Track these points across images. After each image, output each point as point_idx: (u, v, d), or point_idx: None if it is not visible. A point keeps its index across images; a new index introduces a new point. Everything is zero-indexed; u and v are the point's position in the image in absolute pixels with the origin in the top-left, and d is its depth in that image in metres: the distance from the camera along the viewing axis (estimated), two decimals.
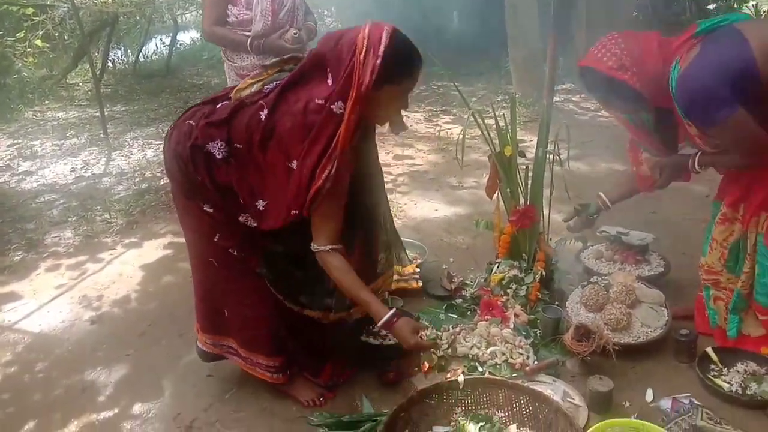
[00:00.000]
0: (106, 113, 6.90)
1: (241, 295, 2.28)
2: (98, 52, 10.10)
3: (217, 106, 2.16)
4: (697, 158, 2.33)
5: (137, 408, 2.49)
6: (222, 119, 2.07)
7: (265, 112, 2.02)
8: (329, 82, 1.98)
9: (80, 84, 9.77)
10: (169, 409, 2.47)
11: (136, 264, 3.77)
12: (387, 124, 2.17)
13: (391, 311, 2.11)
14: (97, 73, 8.06)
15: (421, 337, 2.18)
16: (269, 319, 2.31)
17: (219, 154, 2.06)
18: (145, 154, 6.05)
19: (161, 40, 12.58)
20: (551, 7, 2.68)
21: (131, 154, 6.10)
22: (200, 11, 8.85)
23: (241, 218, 2.14)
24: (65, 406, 2.54)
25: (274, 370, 2.34)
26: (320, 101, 1.96)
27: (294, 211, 2.02)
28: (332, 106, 1.93)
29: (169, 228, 4.24)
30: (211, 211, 2.14)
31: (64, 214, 4.60)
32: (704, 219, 3.64)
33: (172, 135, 2.18)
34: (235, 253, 2.19)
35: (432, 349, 2.29)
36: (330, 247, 2.06)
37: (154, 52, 12.41)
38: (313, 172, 1.95)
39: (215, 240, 2.17)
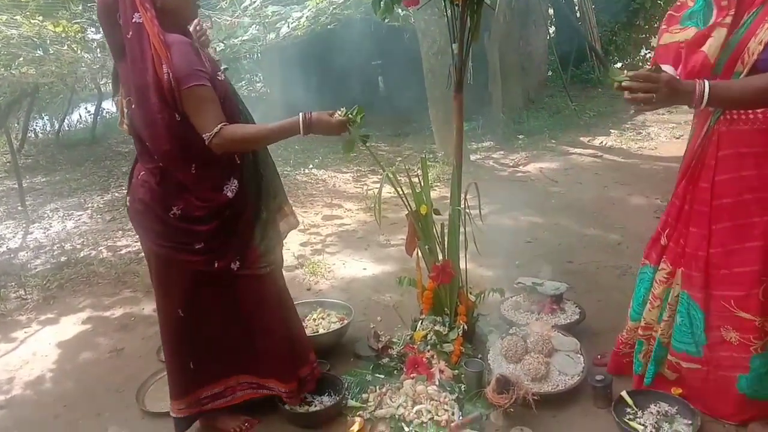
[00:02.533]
0: (24, 185, 6.68)
1: (203, 331, 2.40)
2: (18, 123, 9.82)
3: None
4: (707, 89, 1.93)
5: None
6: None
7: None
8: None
9: None
10: None
11: (52, 341, 3.60)
12: None
13: (300, 115, 2.16)
14: (17, 144, 7.84)
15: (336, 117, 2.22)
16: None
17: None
18: (65, 225, 5.86)
19: (86, 108, 12.37)
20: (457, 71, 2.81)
21: (50, 226, 5.89)
22: None
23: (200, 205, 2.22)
24: None
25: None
26: (133, 21, 2.07)
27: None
28: (134, 20, 2.07)
29: (87, 302, 4.09)
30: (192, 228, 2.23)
31: None
32: (616, 265, 3.89)
33: (133, 191, 2.29)
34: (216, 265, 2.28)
35: (349, 126, 2.25)
36: (220, 125, 2.10)
37: (78, 120, 12.18)
38: (157, 77, 2.04)
39: (215, 267, 2.27)
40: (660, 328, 2.44)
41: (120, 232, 5.50)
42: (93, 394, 3.00)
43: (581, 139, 7.90)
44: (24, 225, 5.95)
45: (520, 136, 8.08)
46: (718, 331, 2.29)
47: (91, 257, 4.92)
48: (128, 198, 2.33)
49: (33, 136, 10.80)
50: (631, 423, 2.41)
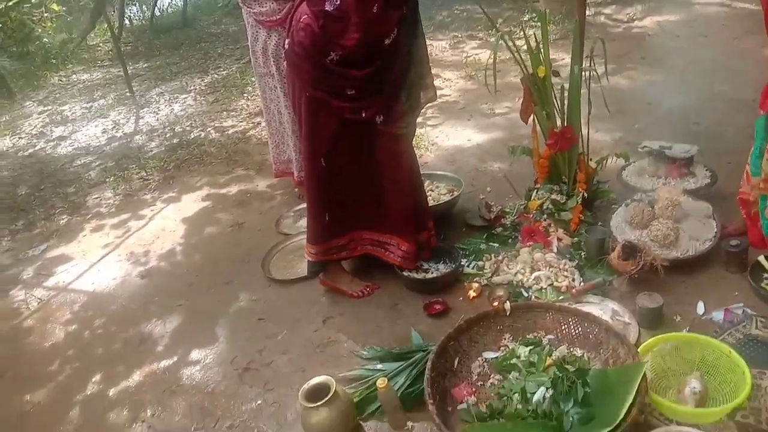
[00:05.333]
0: (129, 71, 6.89)
1: (340, 182, 2.52)
2: (114, 11, 9.99)
3: None
4: None
5: (195, 354, 2.59)
6: None
7: None
8: None
9: (101, 44, 9.73)
10: (225, 353, 2.55)
11: (177, 218, 3.83)
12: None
13: None
14: (116, 31, 8.01)
15: None
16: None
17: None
18: (173, 108, 6.05)
19: None
20: None
21: (159, 110, 6.11)
22: None
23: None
24: (126, 358, 2.65)
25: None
26: None
27: None
28: None
29: (204, 180, 4.28)
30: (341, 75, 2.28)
31: (101, 176, 4.69)
32: (749, 125, 3.52)
33: (291, 33, 2.34)
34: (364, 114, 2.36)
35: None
36: None
37: (168, 4, 12.21)
38: None
39: (362, 116, 2.35)
40: None
41: (224, 113, 5.62)
42: (221, 265, 3.21)
43: None
44: (135, 110, 6.20)
45: None
46: None
47: (201, 138, 5.09)
48: (287, 41, 2.38)
49: (128, 23, 11.00)
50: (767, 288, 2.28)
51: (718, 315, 2.22)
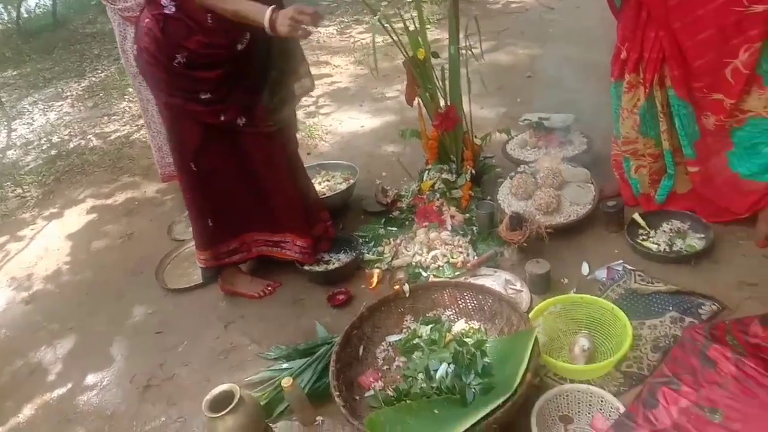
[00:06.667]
0: None
1: (217, 187, 2.43)
2: None
3: None
4: None
5: (91, 378, 2.45)
6: None
7: None
8: None
9: None
10: (124, 372, 2.44)
11: (60, 235, 3.60)
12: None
13: (270, 8, 1.99)
14: None
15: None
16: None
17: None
18: (48, 117, 5.66)
19: None
20: None
21: (33, 120, 5.70)
22: None
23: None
24: (15, 391, 2.47)
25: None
26: None
27: None
28: None
29: (88, 191, 4.05)
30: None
31: None
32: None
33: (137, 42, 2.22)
34: (223, 118, 2.26)
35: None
36: None
37: (36, 5, 11.35)
38: None
39: (221, 120, 2.25)
40: (663, 140, 2.43)
41: (105, 117, 5.32)
42: (112, 279, 3.05)
43: None
44: (5, 122, 5.75)
45: None
46: (701, 120, 2.32)
47: (82, 147, 4.80)
48: (134, 47, 2.27)
49: None
50: (644, 243, 2.44)
51: (601, 273, 2.35)
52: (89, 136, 4.99)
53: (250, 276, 2.71)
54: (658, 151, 2.50)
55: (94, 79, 6.49)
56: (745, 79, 2.15)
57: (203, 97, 2.21)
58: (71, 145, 4.88)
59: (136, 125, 4.96)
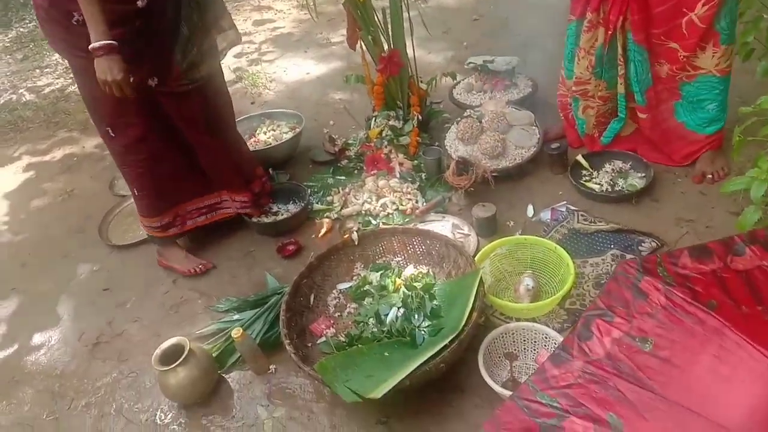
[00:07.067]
0: None
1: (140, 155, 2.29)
2: None
3: None
4: None
5: (37, 338, 2.40)
6: None
7: None
8: None
9: None
10: (72, 331, 2.40)
11: None
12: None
13: (106, 42, 1.90)
14: None
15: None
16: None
17: None
18: None
19: None
20: None
21: None
22: None
23: None
24: None
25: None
26: None
27: None
28: None
29: (23, 149, 3.87)
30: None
31: None
32: (563, 32, 3.76)
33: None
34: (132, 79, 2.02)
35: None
36: None
37: None
38: None
39: (130, 80, 1.99)
40: (619, 84, 2.45)
41: (37, 70, 5.04)
42: (55, 238, 2.96)
43: None
44: None
45: None
46: (655, 67, 2.35)
47: (14, 102, 4.55)
48: (34, 5, 2.08)
49: None
50: (587, 183, 2.51)
51: (546, 215, 2.41)
52: (21, 91, 4.72)
53: (185, 252, 2.58)
54: (608, 94, 2.52)
55: (22, 30, 6.10)
56: (700, 33, 2.17)
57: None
58: (1, 100, 4.62)
59: (71, 77, 4.71)
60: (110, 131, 2.23)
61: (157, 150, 2.31)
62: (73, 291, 2.60)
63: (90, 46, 1.89)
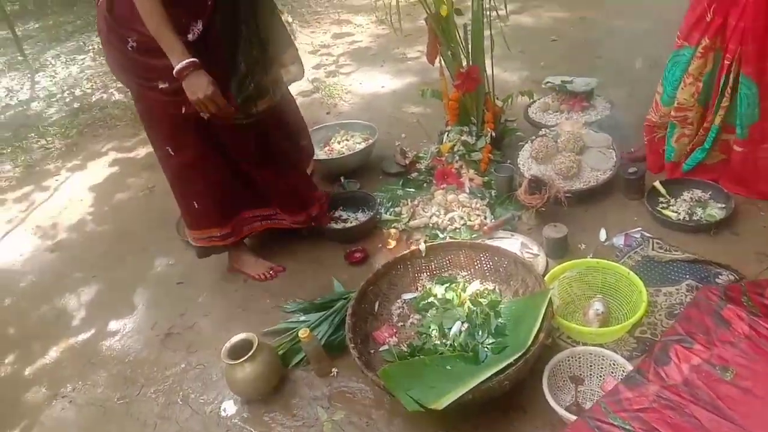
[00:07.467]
0: (19, 33, 6.39)
1: (197, 174, 2.30)
2: None
3: None
4: None
5: (113, 325, 2.52)
6: None
7: None
8: None
9: None
10: (145, 320, 2.50)
11: (84, 186, 3.66)
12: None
13: (188, 60, 1.92)
14: None
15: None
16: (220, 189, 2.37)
17: None
18: (71, 71, 5.69)
19: None
20: None
21: (56, 73, 5.73)
22: None
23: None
24: (42, 334, 2.55)
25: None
26: None
27: None
28: None
29: (110, 145, 4.09)
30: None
31: None
32: (646, 55, 3.69)
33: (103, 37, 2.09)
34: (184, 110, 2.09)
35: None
36: None
37: None
38: None
39: (182, 112, 2.06)
40: (719, 115, 2.35)
41: None
42: (134, 231, 3.11)
43: None
44: (29, 75, 5.79)
45: None
46: (764, 103, 2.24)
47: (104, 100, 4.83)
48: (97, 29, 2.15)
49: None
50: (664, 211, 2.44)
51: (619, 240, 2.35)
52: (111, 90, 5.01)
53: (255, 257, 2.61)
54: (709, 124, 2.42)
55: None
56: None
57: (161, 86, 2.03)
58: (93, 98, 4.92)
59: None
60: (170, 150, 2.25)
61: (216, 173, 2.32)
62: (149, 282, 2.72)
63: (174, 71, 1.91)
